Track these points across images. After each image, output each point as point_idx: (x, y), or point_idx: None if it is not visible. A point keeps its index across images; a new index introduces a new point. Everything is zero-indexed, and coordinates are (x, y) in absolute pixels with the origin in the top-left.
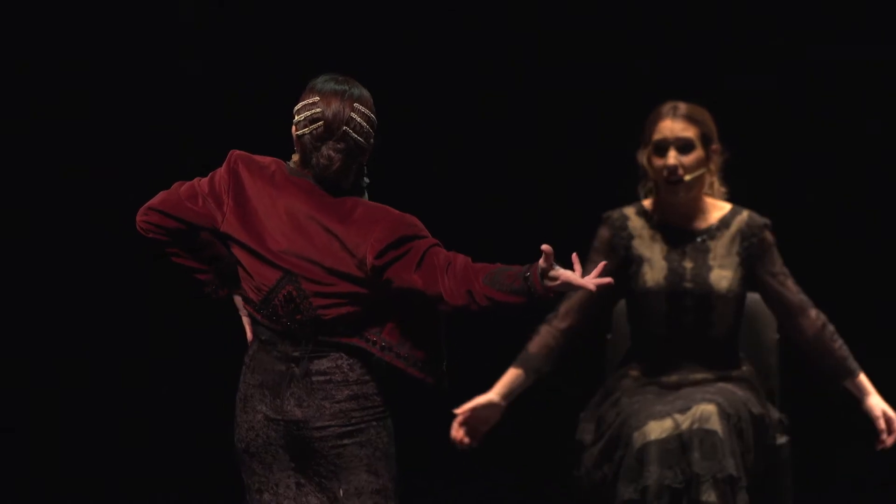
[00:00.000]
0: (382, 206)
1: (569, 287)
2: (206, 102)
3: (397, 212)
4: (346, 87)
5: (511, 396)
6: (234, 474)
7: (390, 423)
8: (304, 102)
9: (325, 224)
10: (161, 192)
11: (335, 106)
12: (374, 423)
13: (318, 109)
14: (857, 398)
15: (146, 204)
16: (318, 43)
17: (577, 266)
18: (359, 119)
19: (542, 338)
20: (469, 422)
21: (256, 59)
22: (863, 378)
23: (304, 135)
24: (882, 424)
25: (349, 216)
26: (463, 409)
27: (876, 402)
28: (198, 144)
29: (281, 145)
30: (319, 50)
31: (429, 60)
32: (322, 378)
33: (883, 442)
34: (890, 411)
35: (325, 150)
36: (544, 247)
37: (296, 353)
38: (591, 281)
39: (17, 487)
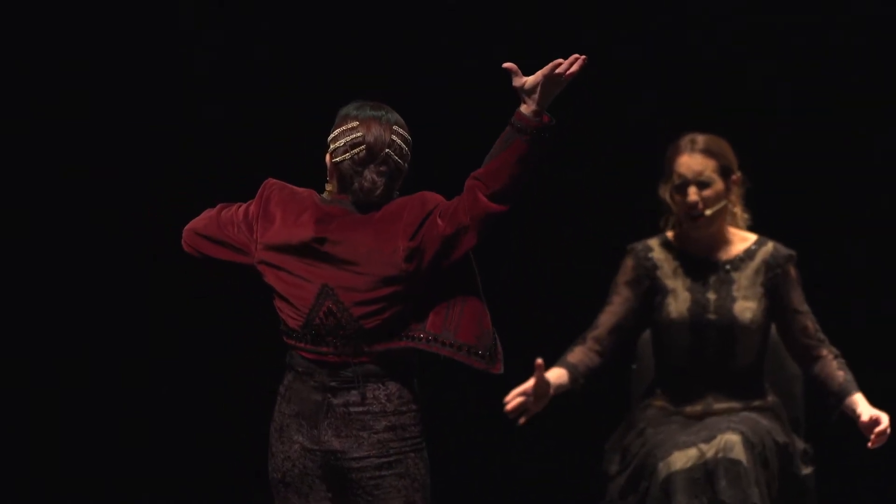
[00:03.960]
0: (401, 198)
1: (549, 87)
2: (206, 102)
3: (416, 195)
4: (384, 112)
5: (557, 391)
6: (234, 475)
7: (426, 454)
8: (341, 129)
9: (353, 233)
10: (205, 213)
11: (376, 130)
12: (412, 454)
13: (359, 134)
14: (854, 412)
15: (190, 225)
16: (315, 42)
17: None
18: (399, 142)
19: (577, 354)
20: (527, 394)
21: (257, 59)
22: (861, 396)
23: (343, 161)
24: (871, 419)
25: (372, 218)
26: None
27: (868, 408)
28: (197, 144)
29: (280, 142)
30: (317, 47)
31: (429, 65)
32: (360, 409)
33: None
34: (880, 413)
35: (368, 174)
36: (506, 64)
37: (333, 384)
38: (559, 64)
39: (18, 487)
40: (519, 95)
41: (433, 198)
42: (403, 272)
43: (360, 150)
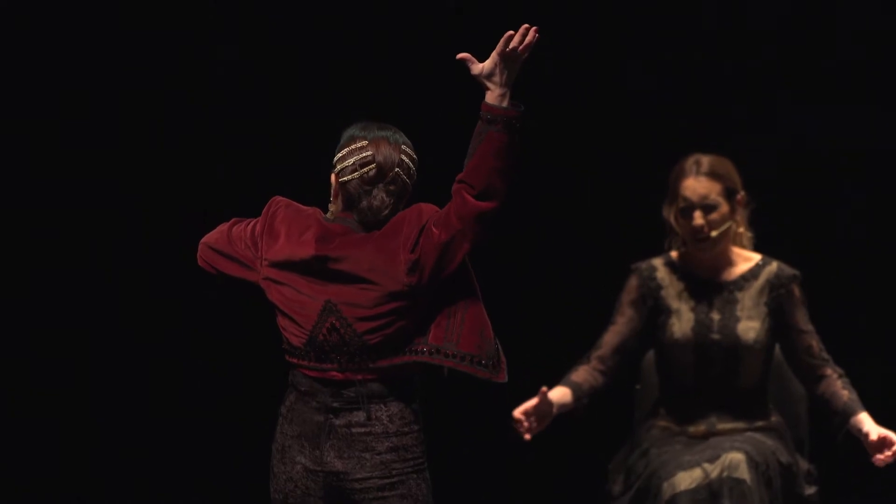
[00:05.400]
0: (399, 212)
1: (507, 65)
2: (205, 103)
3: (413, 207)
4: (391, 132)
5: (560, 410)
6: (236, 495)
7: (428, 475)
8: (349, 149)
9: (356, 250)
10: (219, 227)
11: (385, 149)
12: (414, 475)
13: (369, 153)
14: (860, 430)
15: (204, 238)
16: (319, 59)
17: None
18: (407, 161)
19: (581, 374)
20: (528, 413)
21: (255, 62)
22: (866, 415)
23: (351, 180)
24: (880, 437)
25: (374, 234)
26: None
27: (875, 427)
28: (196, 144)
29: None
30: (321, 64)
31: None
32: (362, 430)
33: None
34: (888, 432)
35: (377, 193)
36: (460, 55)
37: (336, 405)
38: (510, 37)
39: (18, 487)
40: (481, 83)
41: (428, 208)
42: (407, 286)
43: (370, 169)
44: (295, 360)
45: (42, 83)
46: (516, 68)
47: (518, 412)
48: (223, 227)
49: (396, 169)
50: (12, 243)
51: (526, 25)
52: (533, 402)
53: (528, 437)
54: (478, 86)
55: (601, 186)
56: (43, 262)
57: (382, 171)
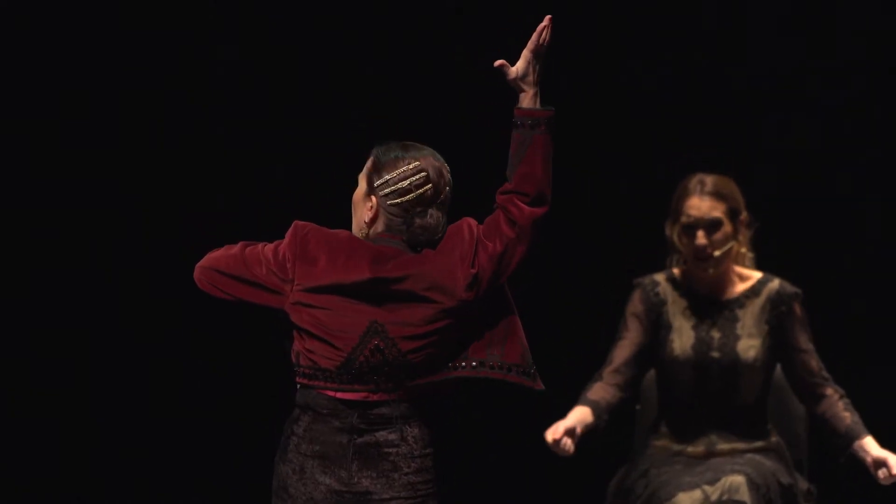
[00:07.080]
0: (447, 228)
1: (538, 60)
2: (205, 103)
3: (461, 223)
4: (430, 150)
5: (584, 430)
6: (234, 476)
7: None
8: (399, 171)
9: (413, 270)
10: (223, 251)
11: (437, 168)
12: (432, 494)
13: (424, 174)
14: (866, 454)
15: (208, 263)
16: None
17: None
18: (450, 178)
19: (597, 391)
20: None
21: (255, 62)
22: (871, 439)
23: (404, 201)
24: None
25: (428, 253)
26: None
27: (881, 451)
28: (196, 144)
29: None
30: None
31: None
32: (390, 449)
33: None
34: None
35: (432, 213)
36: (497, 63)
37: (362, 425)
38: (541, 31)
39: (18, 487)
40: (515, 87)
41: (474, 222)
42: (463, 301)
43: (427, 190)
44: (320, 383)
45: (42, 83)
46: (542, 62)
47: (552, 436)
48: (232, 250)
49: (447, 188)
50: (12, 243)
51: (549, 17)
52: (565, 423)
53: (570, 450)
54: (477, 85)
55: (601, 186)
56: (43, 262)
57: (438, 191)
